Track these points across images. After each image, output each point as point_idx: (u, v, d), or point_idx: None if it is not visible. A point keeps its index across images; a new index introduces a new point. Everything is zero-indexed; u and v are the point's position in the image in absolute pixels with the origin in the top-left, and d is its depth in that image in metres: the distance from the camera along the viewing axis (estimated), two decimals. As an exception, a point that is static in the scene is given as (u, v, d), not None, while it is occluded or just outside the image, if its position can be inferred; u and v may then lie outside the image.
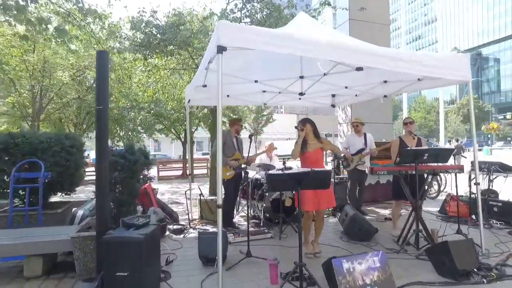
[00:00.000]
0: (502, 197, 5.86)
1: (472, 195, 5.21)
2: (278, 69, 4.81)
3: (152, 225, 3.12)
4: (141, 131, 18.14)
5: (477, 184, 3.93)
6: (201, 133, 19.27)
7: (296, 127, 4.03)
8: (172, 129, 17.39)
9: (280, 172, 2.75)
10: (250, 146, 4.22)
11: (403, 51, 3.44)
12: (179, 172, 16.49)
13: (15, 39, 9.45)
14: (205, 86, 4.48)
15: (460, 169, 4.23)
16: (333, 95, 6.67)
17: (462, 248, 3.25)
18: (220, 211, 2.77)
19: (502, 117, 56.89)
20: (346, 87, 5.34)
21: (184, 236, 4.98)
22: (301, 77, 5.00)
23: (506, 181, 5.81)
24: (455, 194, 5.80)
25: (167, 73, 9.29)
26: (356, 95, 6.09)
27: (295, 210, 5.90)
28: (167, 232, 5.11)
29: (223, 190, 4.20)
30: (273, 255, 3.90)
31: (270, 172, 2.76)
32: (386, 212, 6.45)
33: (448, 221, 5.52)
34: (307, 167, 3.85)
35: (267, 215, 5.65)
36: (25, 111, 12.03)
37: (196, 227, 5.44)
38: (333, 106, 6.85)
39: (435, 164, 4.16)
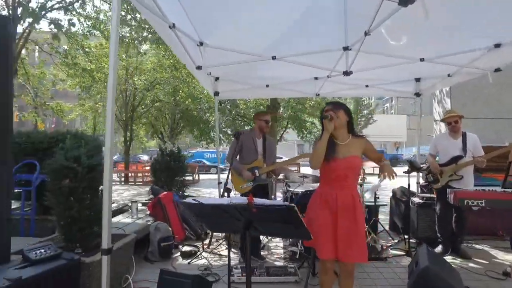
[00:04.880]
0: None
1: None
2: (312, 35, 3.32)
3: (62, 260, 2.18)
4: (230, 132, 18.34)
5: None
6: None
7: (322, 116, 2.24)
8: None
9: (193, 201, 1.40)
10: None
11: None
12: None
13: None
14: (199, 68, 3.34)
15: None
16: (417, 79, 4.67)
17: None
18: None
19: None
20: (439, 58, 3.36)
21: (189, 263, 3.94)
22: (346, 48, 3.35)
23: None
24: None
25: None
26: (448, 75, 4.00)
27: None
28: (177, 254, 4.18)
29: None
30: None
31: (186, 199, 1.44)
32: (509, 258, 4.02)
33: None
34: (329, 185, 2.31)
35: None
36: (119, 115, 13.17)
37: (213, 251, 4.32)
38: (417, 94, 4.79)
39: None
